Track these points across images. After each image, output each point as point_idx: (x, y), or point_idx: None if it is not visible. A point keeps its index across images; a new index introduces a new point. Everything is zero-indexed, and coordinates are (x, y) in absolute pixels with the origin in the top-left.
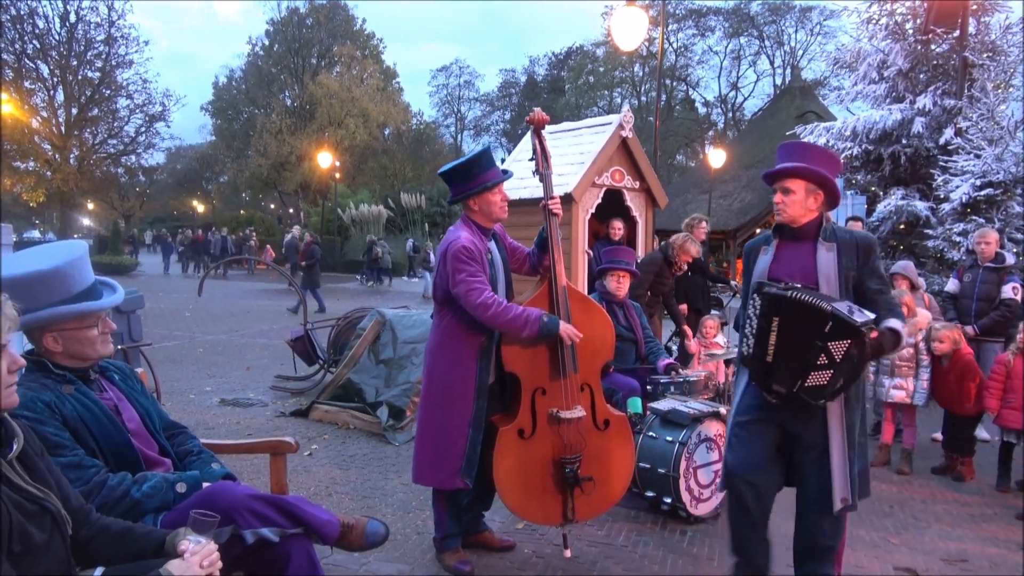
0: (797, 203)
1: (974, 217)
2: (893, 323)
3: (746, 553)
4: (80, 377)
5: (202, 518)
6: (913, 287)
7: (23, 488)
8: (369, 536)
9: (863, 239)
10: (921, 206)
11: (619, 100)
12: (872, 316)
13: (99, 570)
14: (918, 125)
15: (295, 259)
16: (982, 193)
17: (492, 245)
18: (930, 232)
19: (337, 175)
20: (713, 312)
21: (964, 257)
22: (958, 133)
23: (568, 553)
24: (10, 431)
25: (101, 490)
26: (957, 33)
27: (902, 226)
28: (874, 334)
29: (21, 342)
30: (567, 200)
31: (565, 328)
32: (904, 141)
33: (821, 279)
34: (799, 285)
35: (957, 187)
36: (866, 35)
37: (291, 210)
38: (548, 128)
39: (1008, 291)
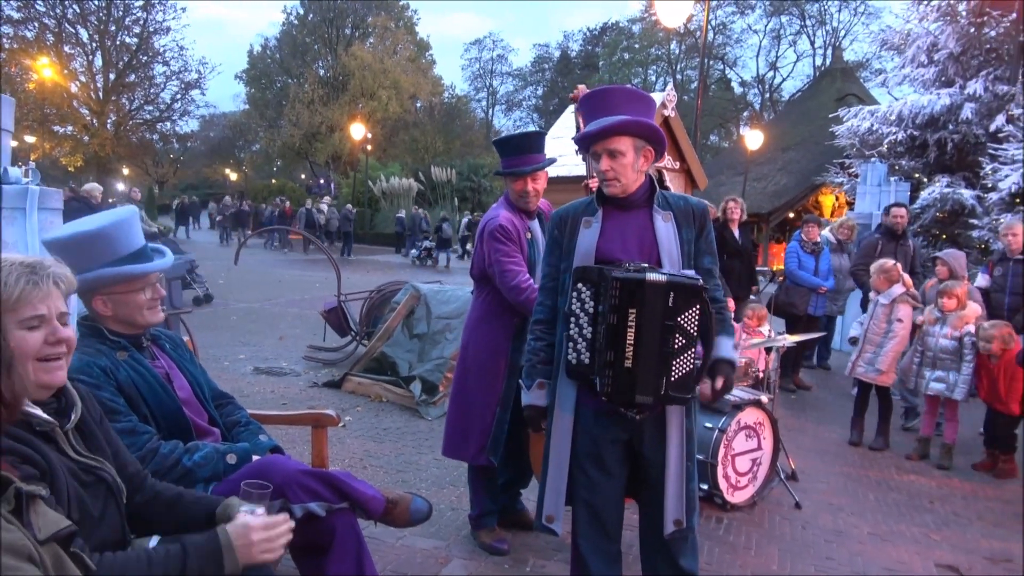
0: (628, 167)
1: (1023, 208)
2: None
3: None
4: (133, 344)
5: (253, 489)
6: (952, 277)
7: (79, 459)
8: (413, 513)
9: (698, 206)
10: (967, 194)
11: (654, 78)
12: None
13: (155, 539)
14: (967, 111)
15: (346, 227)
16: None
17: (535, 225)
18: (975, 222)
19: (368, 147)
20: (751, 299)
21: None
22: (1010, 120)
23: None
24: (69, 401)
25: (154, 457)
26: (1013, 16)
27: (941, 215)
28: None
29: (75, 309)
30: None
31: None
32: (952, 127)
33: (664, 256)
34: (646, 264)
35: (1007, 176)
36: (916, 16)
37: (321, 180)
38: None
39: None
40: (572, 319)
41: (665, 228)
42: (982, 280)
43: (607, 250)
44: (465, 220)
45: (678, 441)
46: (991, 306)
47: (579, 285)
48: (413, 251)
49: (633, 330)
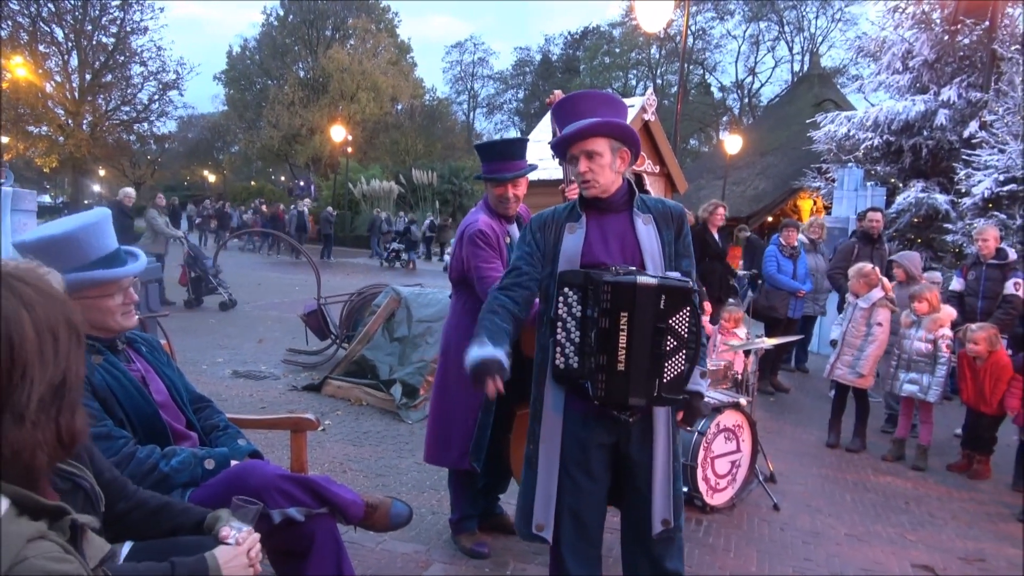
0: (606, 168)
1: (995, 213)
2: None
3: None
4: (108, 347)
5: (244, 504)
6: (909, 278)
7: (57, 466)
8: (394, 518)
9: (676, 208)
10: (941, 199)
11: (634, 82)
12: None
13: (127, 545)
14: (941, 117)
15: (327, 230)
16: (1005, 189)
17: (514, 230)
18: (949, 227)
19: (349, 149)
20: (730, 301)
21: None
22: (983, 127)
23: None
24: None
25: (130, 462)
26: (986, 24)
27: (916, 220)
28: None
29: None
30: None
31: None
32: (926, 133)
33: (647, 258)
34: (633, 268)
35: (979, 182)
36: (891, 24)
37: (302, 183)
38: None
39: (1011, 287)
40: (559, 324)
41: (646, 231)
42: (956, 284)
43: (590, 254)
44: (427, 222)
45: (665, 441)
46: (964, 310)
47: (565, 290)
48: (384, 253)
49: (625, 333)
